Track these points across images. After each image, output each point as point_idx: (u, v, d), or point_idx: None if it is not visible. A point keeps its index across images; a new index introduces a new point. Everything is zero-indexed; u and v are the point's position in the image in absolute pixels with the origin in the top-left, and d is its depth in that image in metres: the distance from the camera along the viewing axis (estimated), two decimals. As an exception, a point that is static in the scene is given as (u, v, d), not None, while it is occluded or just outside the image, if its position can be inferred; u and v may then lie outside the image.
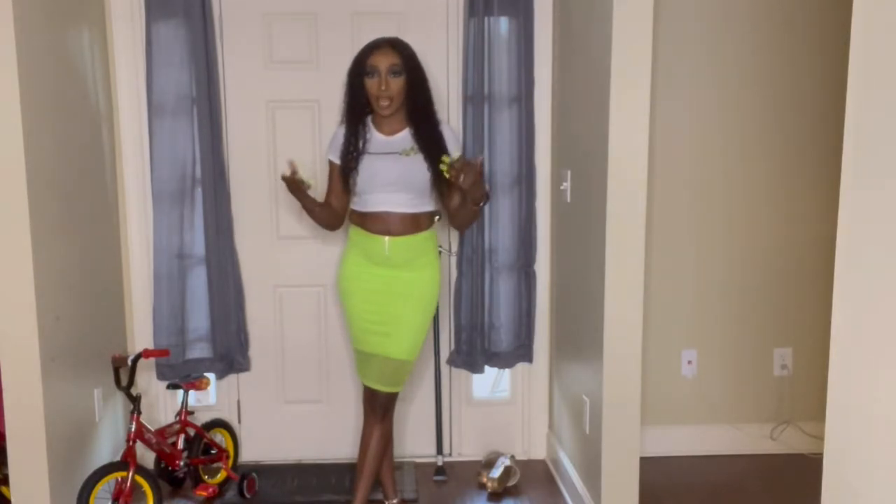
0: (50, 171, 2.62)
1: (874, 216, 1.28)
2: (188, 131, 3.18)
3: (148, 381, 3.31)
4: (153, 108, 3.16)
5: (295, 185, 2.67)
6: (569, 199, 3.04)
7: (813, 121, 3.37)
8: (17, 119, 2.39)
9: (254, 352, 3.40)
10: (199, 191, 3.22)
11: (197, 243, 3.25)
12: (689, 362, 3.49)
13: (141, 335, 3.32)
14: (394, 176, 2.67)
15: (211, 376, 3.26)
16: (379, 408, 2.76)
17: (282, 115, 3.29)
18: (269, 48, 3.26)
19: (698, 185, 3.39)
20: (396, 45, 2.68)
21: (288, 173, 2.66)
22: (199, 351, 3.32)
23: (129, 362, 2.89)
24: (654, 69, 2.55)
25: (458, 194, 2.73)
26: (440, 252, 3.24)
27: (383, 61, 2.63)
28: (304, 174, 2.68)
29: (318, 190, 2.88)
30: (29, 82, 2.44)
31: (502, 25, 3.24)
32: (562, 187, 3.10)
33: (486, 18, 3.18)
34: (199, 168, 3.20)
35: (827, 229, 3.22)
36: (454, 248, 3.36)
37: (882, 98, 1.26)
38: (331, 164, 2.81)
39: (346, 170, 2.73)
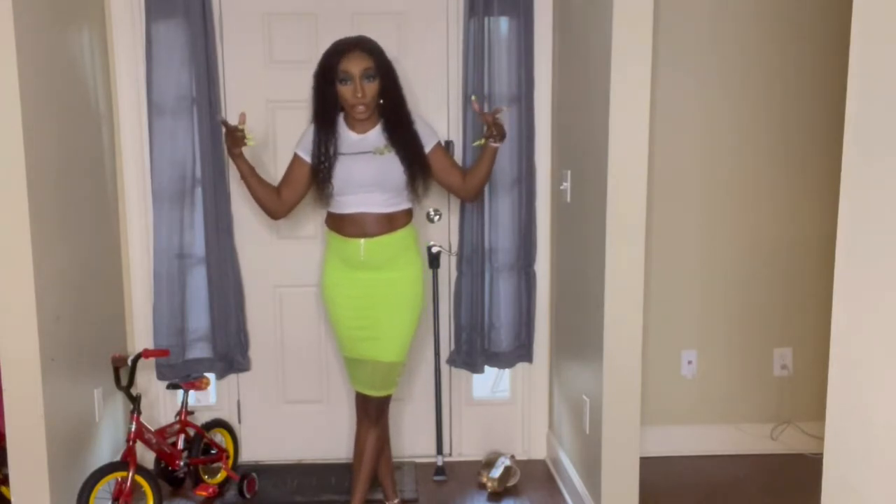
0: (50, 171, 2.62)
1: (874, 216, 1.28)
2: (188, 131, 3.18)
3: (148, 381, 3.31)
4: (153, 108, 3.16)
5: (233, 136, 2.57)
6: (569, 199, 3.04)
7: (813, 121, 3.37)
8: (17, 119, 2.39)
9: (254, 352, 3.41)
10: (199, 191, 3.22)
11: (197, 243, 3.25)
12: (690, 362, 3.49)
13: (141, 335, 3.32)
14: (369, 176, 2.61)
15: (211, 376, 3.26)
16: (373, 412, 2.74)
17: (282, 115, 3.29)
18: (269, 48, 3.26)
19: (698, 185, 3.39)
20: (366, 47, 2.58)
21: (237, 124, 2.58)
22: (199, 351, 3.32)
23: (129, 362, 2.89)
24: (654, 69, 2.55)
25: (482, 153, 2.71)
26: (439, 252, 3.25)
27: (356, 66, 2.53)
28: (249, 134, 2.60)
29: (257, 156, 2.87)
30: (29, 82, 2.44)
31: (502, 25, 3.24)
32: (562, 187, 3.10)
33: (486, 18, 3.18)
34: (199, 168, 3.20)
35: (827, 229, 3.22)
36: (454, 248, 3.37)
37: (882, 97, 1.26)
38: (295, 157, 2.73)
39: (319, 174, 2.64)
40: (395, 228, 2.67)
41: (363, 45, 2.58)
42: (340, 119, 2.68)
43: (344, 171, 2.61)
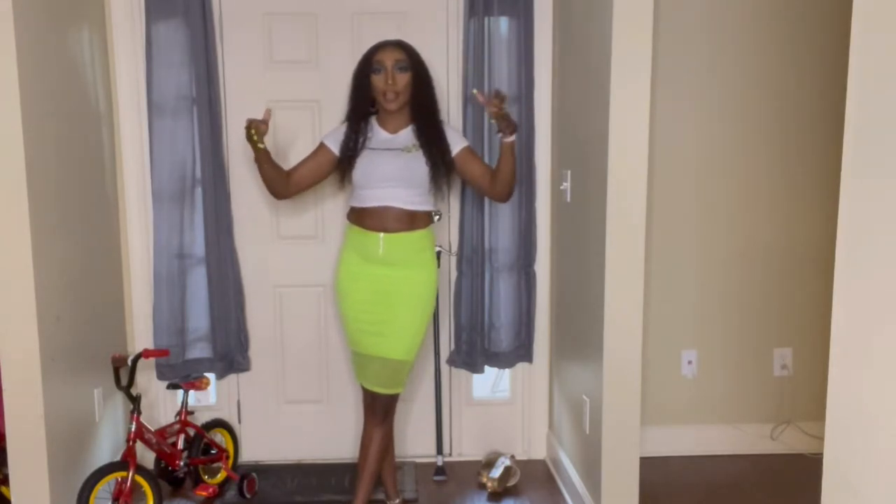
0: (50, 171, 2.62)
1: (874, 216, 1.28)
2: (188, 131, 3.18)
3: (148, 381, 3.31)
4: (153, 108, 3.16)
5: (257, 132, 2.67)
6: (569, 199, 3.04)
7: (813, 121, 3.37)
8: (17, 119, 2.39)
9: (254, 352, 3.40)
10: (199, 191, 3.22)
11: (197, 243, 3.25)
12: (689, 362, 3.49)
13: (141, 335, 3.32)
14: (391, 171, 2.68)
15: (211, 376, 3.26)
16: (380, 410, 2.75)
17: (282, 115, 3.28)
18: (269, 48, 3.26)
19: (698, 185, 3.39)
20: (403, 44, 2.73)
21: (262, 118, 2.69)
22: (199, 351, 3.32)
23: (129, 362, 2.89)
24: (654, 69, 2.55)
25: (500, 152, 2.69)
26: (440, 252, 3.25)
27: (389, 57, 2.68)
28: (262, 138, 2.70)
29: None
30: (29, 82, 2.44)
31: (502, 25, 3.24)
32: (562, 187, 3.10)
33: (486, 18, 3.18)
34: (199, 168, 3.20)
35: (827, 229, 3.23)
36: (454, 248, 3.37)
37: (882, 98, 1.26)
38: (321, 145, 2.82)
39: (344, 164, 2.74)
40: (416, 228, 2.73)
41: (398, 42, 2.74)
42: (374, 120, 2.78)
43: (368, 165, 2.69)
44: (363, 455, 2.77)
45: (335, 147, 2.78)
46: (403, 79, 2.68)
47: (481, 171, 2.80)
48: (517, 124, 2.67)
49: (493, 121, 2.62)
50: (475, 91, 2.72)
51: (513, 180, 2.76)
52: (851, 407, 1.36)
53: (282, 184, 2.81)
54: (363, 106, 2.75)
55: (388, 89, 2.66)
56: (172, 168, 3.19)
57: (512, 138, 2.65)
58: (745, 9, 3.30)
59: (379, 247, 2.70)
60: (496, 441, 3.53)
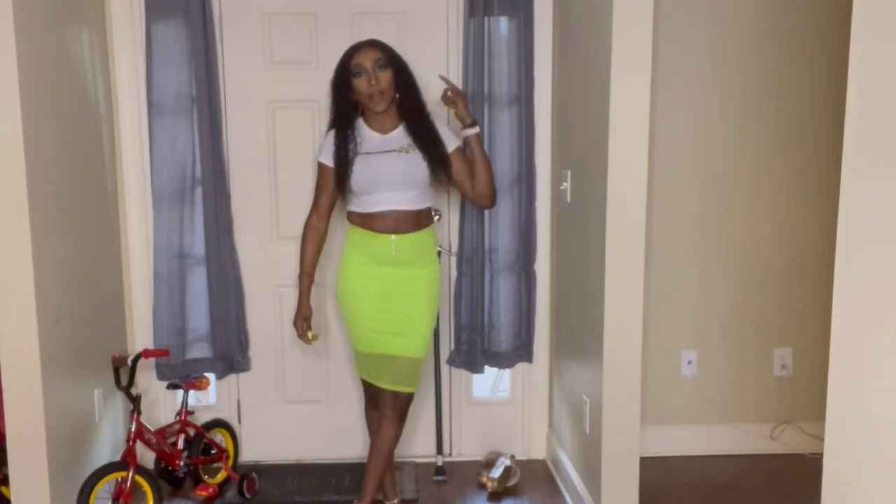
0: (50, 172, 2.62)
1: (874, 216, 1.28)
2: (188, 131, 3.18)
3: (148, 381, 3.31)
4: (153, 108, 3.16)
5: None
6: (569, 199, 3.04)
7: (814, 120, 3.37)
8: (17, 119, 2.39)
9: (254, 352, 3.41)
10: (199, 191, 3.22)
11: (197, 243, 3.25)
12: (689, 362, 3.49)
13: (141, 335, 3.32)
14: (397, 174, 2.68)
15: (211, 376, 3.26)
16: (401, 408, 2.76)
17: (282, 115, 3.29)
18: (269, 48, 3.26)
19: (699, 185, 3.39)
20: (376, 43, 2.71)
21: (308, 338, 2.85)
22: (199, 351, 3.32)
23: (129, 362, 2.90)
24: (654, 69, 2.55)
25: (467, 149, 2.83)
26: (440, 252, 3.25)
27: (367, 58, 2.65)
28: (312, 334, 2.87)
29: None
30: (29, 82, 2.44)
31: (502, 25, 3.24)
32: (562, 187, 3.10)
33: (486, 18, 3.18)
34: (199, 168, 3.20)
35: (827, 229, 3.22)
36: (454, 248, 3.37)
37: (882, 97, 1.26)
38: (319, 165, 2.78)
39: (341, 173, 2.70)
40: (423, 226, 2.76)
41: (372, 42, 2.71)
42: (361, 122, 2.75)
43: (369, 170, 2.67)
44: (378, 451, 2.77)
45: (329, 160, 2.73)
46: (386, 77, 2.66)
47: (468, 174, 2.83)
48: (474, 119, 2.82)
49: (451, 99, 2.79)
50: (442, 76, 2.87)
51: (488, 180, 2.85)
52: (851, 407, 1.36)
53: (322, 236, 2.86)
54: (349, 111, 2.73)
55: (374, 90, 2.64)
56: (172, 168, 3.19)
57: (474, 130, 2.77)
58: (746, 9, 3.30)
59: (391, 249, 2.70)
60: (496, 441, 3.53)
